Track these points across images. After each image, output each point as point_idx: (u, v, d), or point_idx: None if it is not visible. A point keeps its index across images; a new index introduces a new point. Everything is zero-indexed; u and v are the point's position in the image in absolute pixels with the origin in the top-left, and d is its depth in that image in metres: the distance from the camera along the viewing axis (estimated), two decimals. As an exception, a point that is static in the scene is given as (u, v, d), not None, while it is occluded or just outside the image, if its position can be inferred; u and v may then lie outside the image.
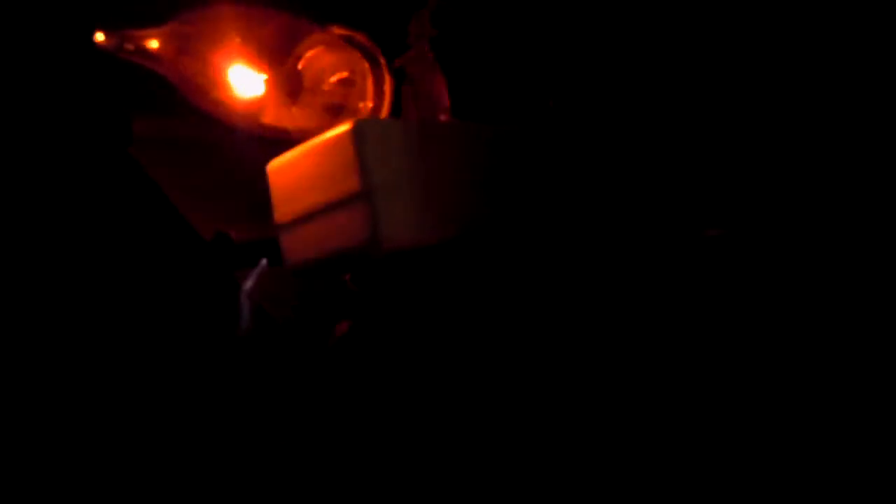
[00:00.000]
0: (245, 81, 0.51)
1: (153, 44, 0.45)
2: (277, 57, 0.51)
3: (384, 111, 0.59)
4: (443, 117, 0.56)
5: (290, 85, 0.54)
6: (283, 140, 0.57)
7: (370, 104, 0.59)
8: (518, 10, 0.55)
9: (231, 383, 0.54)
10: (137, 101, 0.60)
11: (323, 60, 0.58)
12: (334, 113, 0.60)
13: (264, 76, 0.52)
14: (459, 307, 0.55)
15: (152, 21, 0.46)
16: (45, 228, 0.54)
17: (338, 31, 0.56)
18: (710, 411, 0.48)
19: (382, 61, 0.59)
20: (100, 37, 0.43)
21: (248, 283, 0.53)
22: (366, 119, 0.53)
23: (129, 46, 0.45)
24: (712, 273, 0.50)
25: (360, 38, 0.59)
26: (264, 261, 0.50)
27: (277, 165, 0.53)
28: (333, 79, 0.59)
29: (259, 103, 0.52)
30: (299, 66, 0.55)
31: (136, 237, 0.55)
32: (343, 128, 0.48)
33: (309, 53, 0.57)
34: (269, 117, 0.54)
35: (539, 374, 0.52)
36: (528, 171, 0.53)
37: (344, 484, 0.54)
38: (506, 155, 0.53)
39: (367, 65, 0.59)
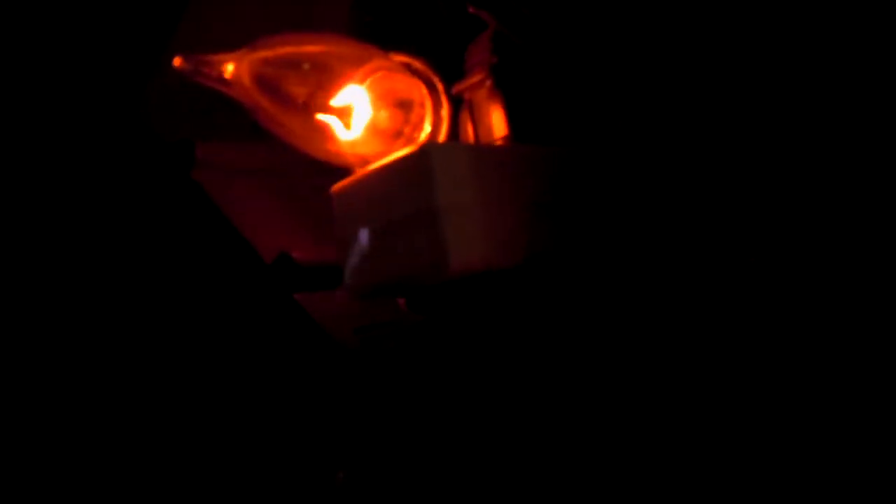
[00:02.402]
0: (313, 107, 0.52)
1: (228, 68, 0.46)
2: (345, 81, 0.52)
3: (441, 138, 0.60)
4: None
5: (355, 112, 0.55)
6: (341, 168, 0.58)
7: (428, 131, 0.60)
8: (579, 35, 0.56)
9: (291, 405, 0.54)
10: (201, 127, 0.62)
11: (382, 86, 0.59)
12: (391, 139, 0.60)
13: (333, 100, 0.52)
14: (521, 334, 0.55)
15: (228, 46, 0.47)
16: (110, 249, 0.55)
17: (398, 57, 0.57)
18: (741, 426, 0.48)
19: (440, 87, 0.59)
20: (177, 61, 0.45)
21: None
22: (434, 142, 0.53)
23: (205, 70, 0.46)
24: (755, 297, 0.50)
25: (418, 64, 0.60)
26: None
27: (342, 188, 0.53)
28: (392, 105, 0.60)
29: (326, 128, 0.53)
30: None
31: (198, 260, 0.56)
32: (410, 149, 0.48)
33: (369, 79, 0.58)
34: (335, 143, 0.55)
35: (604, 402, 0.52)
36: (593, 195, 0.53)
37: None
38: (570, 178, 0.53)
39: (425, 91, 0.60)
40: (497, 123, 0.57)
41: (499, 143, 0.57)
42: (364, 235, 0.51)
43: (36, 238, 0.56)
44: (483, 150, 0.50)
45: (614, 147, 0.56)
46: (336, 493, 0.53)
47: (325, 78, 0.52)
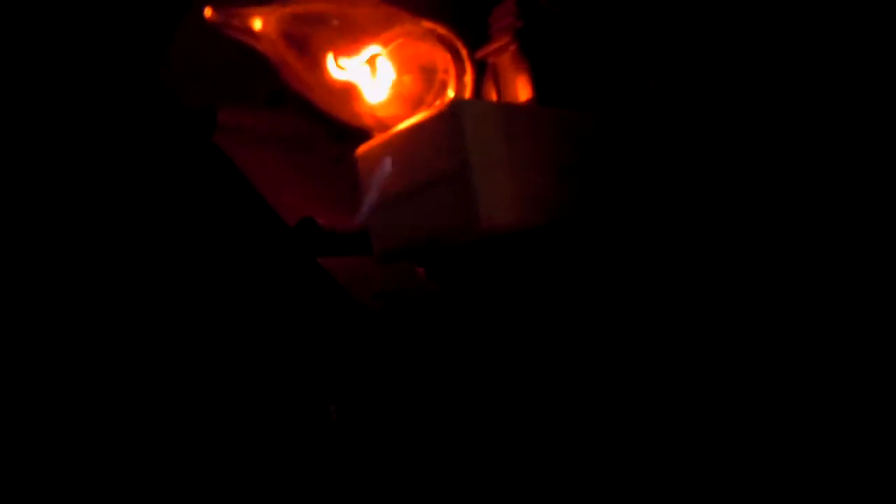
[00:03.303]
0: (339, 66, 0.52)
1: (256, 22, 0.46)
2: (370, 43, 0.52)
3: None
4: (528, 108, 0.56)
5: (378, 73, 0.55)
6: (361, 133, 0.58)
7: (451, 97, 0.60)
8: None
9: (313, 369, 0.54)
10: (222, 91, 0.61)
11: (406, 51, 0.58)
12: (414, 105, 0.60)
13: (357, 61, 0.52)
14: (545, 298, 0.54)
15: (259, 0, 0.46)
16: (129, 213, 0.55)
17: (425, 23, 0.57)
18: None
19: (464, 53, 0.59)
20: (208, 12, 0.44)
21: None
22: (463, 99, 0.53)
23: (235, 22, 0.45)
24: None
25: (441, 29, 0.59)
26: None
27: (367, 150, 0.53)
28: (415, 70, 0.59)
29: (350, 88, 0.53)
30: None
31: (220, 224, 0.55)
32: (439, 108, 0.48)
33: (393, 43, 0.57)
34: (357, 105, 0.54)
35: (625, 366, 0.52)
36: (621, 159, 0.53)
37: (425, 472, 0.53)
38: (598, 142, 0.53)
39: (449, 58, 0.59)
40: (521, 89, 0.57)
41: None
42: (390, 196, 0.51)
43: (54, 200, 0.56)
44: (513, 110, 0.50)
45: (640, 113, 0.56)
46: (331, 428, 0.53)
47: (352, 37, 0.52)
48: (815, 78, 0.49)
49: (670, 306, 0.52)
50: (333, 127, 0.60)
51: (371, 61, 0.55)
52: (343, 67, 0.51)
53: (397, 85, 0.58)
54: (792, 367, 0.48)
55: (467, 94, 0.60)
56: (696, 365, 0.51)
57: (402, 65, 0.58)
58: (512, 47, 0.57)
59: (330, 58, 0.50)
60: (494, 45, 0.58)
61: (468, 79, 0.60)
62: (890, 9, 0.49)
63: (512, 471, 0.56)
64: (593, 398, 0.54)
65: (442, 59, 0.60)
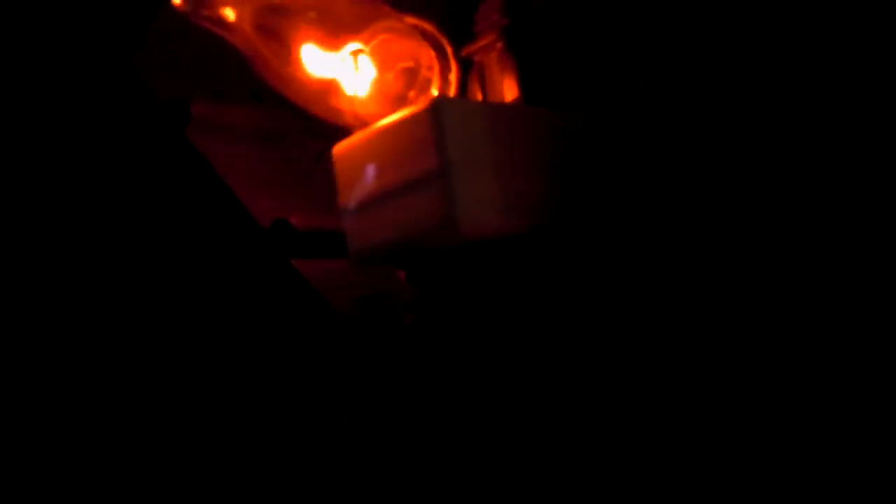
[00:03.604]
0: (317, 60, 0.49)
1: (229, 13, 0.44)
2: (350, 39, 0.50)
3: (449, 103, 0.57)
4: (513, 107, 0.54)
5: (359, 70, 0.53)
6: (339, 130, 0.56)
7: (434, 95, 0.58)
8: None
9: (289, 375, 0.52)
10: (197, 84, 0.59)
11: (388, 48, 0.56)
12: (396, 103, 0.58)
13: (337, 56, 0.50)
14: (528, 304, 0.53)
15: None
16: (96, 209, 0.52)
17: (408, 19, 0.55)
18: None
19: (449, 50, 0.57)
20: (176, 0, 0.42)
21: None
22: (445, 97, 0.51)
23: (205, 12, 0.43)
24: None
25: (427, 26, 0.57)
26: None
27: (343, 149, 0.51)
28: (397, 68, 0.57)
29: (329, 84, 0.51)
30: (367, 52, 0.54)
31: (191, 223, 0.53)
32: (419, 106, 0.46)
33: (375, 40, 0.55)
34: (335, 101, 0.52)
35: (619, 374, 0.50)
36: (606, 160, 0.51)
37: (406, 479, 0.51)
38: (585, 143, 0.51)
39: (433, 54, 0.57)
40: (508, 87, 0.55)
41: (510, 105, 0.55)
42: (368, 197, 0.49)
43: (27, 196, 0.54)
44: (495, 108, 0.48)
45: (627, 114, 0.54)
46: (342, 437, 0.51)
47: (331, 31, 0.50)
48: (804, 77, 0.48)
49: (658, 310, 0.50)
50: (313, 124, 0.58)
51: (352, 56, 0.53)
52: (320, 62, 0.49)
53: (379, 82, 0.56)
54: (786, 368, 0.47)
55: (452, 92, 0.58)
56: (684, 369, 0.49)
57: (384, 61, 0.56)
58: (498, 45, 0.55)
59: (307, 51, 0.48)
60: (480, 43, 0.56)
61: (453, 77, 0.58)
62: (890, 9, 0.47)
63: (495, 476, 0.54)
64: (577, 404, 0.52)
65: (426, 56, 0.58)
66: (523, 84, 0.54)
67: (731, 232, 0.49)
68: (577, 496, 0.51)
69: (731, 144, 0.50)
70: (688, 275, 0.49)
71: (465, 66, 0.57)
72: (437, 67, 0.57)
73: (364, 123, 0.55)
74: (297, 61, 0.48)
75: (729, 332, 0.47)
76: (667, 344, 0.48)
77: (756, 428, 0.47)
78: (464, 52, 0.57)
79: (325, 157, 0.60)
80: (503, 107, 0.51)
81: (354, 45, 0.52)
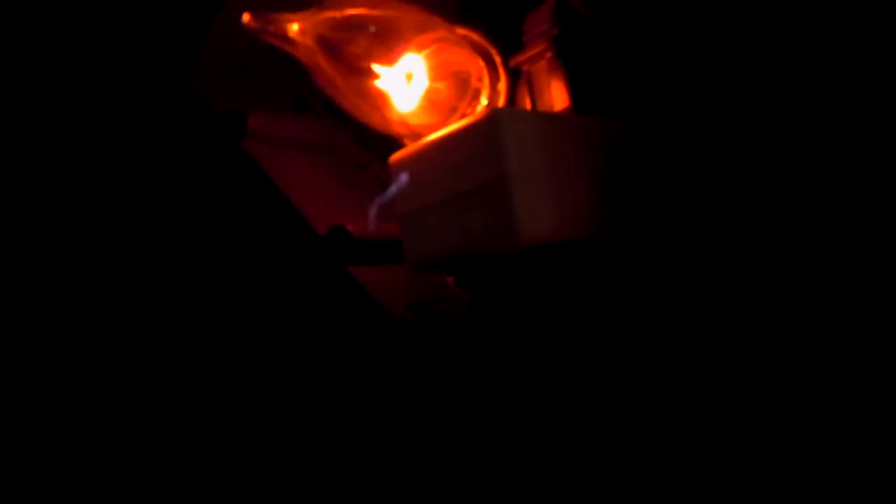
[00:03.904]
0: (373, 72, 0.51)
1: (294, 27, 0.45)
2: (405, 50, 0.51)
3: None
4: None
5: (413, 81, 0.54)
6: (391, 141, 0.57)
7: (484, 104, 0.59)
8: (644, 7, 0.55)
9: (343, 380, 0.53)
10: (251, 98, 0.60)
11: (439, 59, 0.58)
12: (446, 113, 0.59)
13: (392, 69, 0.51)
14: (578, 310, 0.53)
15: (295, 6, 0.46)
16: (157, 219, 0.54)
17: (459, 30, 0.56)
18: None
19: (498, 60, 0.58)
20: (246, 17, 0.43)
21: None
22: (504, 108, 0.52)
23: (272, 28, 0.44)
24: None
25: (475, 36, 0.58)
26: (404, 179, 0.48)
27: (400, 158, 0.52)
28: (448, 78, 0.58)
29: (383, 95, 0.52)
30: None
31: (249, 232, 0.54)
32: (477, 116, 0.47)
33: (427, 50, 0.56)
34: (390, 112, 0.54)
35: (671, 378, 0.51)
36: (659, 169, 0.52)
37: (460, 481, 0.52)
38: (636, 152, 0.52)
39: (482, 65, 0.58)
40: (557, 97, 0.56)
41: (561, 115, 0.56)
42: (425, 205, 0.50)
43: (84, 203, 0.55)
44: (551, 118, 0.49)
45: (678, 124, 0.55)
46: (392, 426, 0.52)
47: (388, 44, 0.51)
48: (854, 88, 0.48)
49: (710, 317, 0.51)
50: (359, 133, 0.59)
51: (404, 68, 0.54)
52: (378, 74, 0.51)
53: (430, 92, 0.57)
54: (809, 372, 0.48)
55: (501, 102, 0.59)
56: (741, 375, 0.50)
57: (435, 72, 0.57)
58: (548, 55, 0.56)
59: (365, 63, 0.50)
60: (529, 53, 0.57)
61: (502, 87, 0.59)
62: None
63: (543, 483, 0.55)
64: (632, 414, 0.52)
65: (475, 66, 0.59)
66: (573, 93, 0.55)
67: (778, 236, 0.50)
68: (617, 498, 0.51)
69: (779, 154, 0.50)
70: (738, 280, 0.49)
71: (515, 76, 0.58)
72: (486, 77, 0.58)
73: (415, 134, 0.56)
74: (355, 73, 0.49)
75: (776, 335, 0.48)
76: (719, 348, 0.49)
77: (773, 430, 0.47)
78: (512, 63, 0.58)
79: (371, 165, 0.62)
80: (558, 116, 0.52)
81: (410, 57, 0.53)
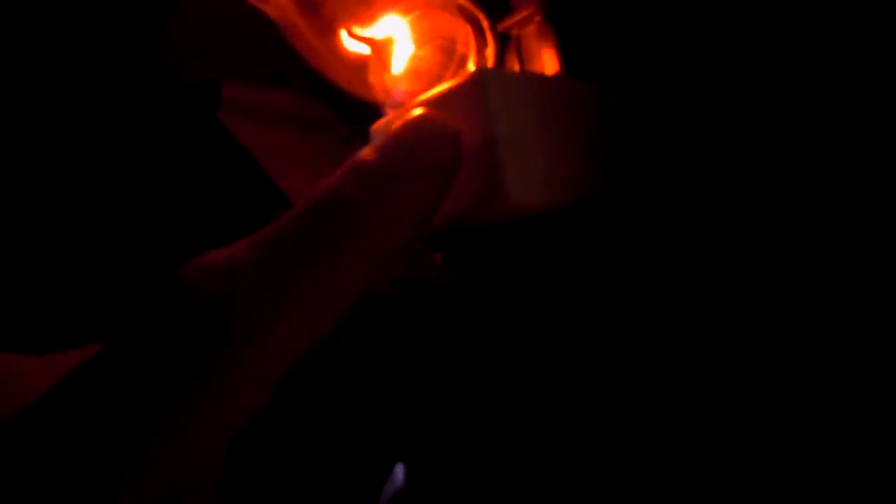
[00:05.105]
0: (353, 35, 0.48)
1: (269, -15, 0.43)
2: (388, 12, 0.48)
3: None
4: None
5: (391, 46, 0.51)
6: (370, 113, 0.54)
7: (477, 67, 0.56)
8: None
9: (325, 354, 0.51)
10: (226, 66, 0.58)
11: (424, 24, 0.55)
12: (431, 80, 0.57)
13: (374, 32, 0.48)
14: (567, 287, 0.51)
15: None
16: (128, 194, 0.51)
17: (445, -5, 0.53)
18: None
19: (485, 25, 0.55)
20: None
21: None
22: (490, 68, 0.49)
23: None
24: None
25: (462, 1, 0.56)
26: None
27: (383, 125, 0.50)
28: (434, 44, 0.56)
29: (365, 60, 0.49)
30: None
31: (225, 204, 0.52)
32: (462, 77, 0.45)
33: (411, 14, 0.54)
34: (371, 77, 0.51)
35: (662, 354, 0.49)
36: (649, 134, 0.50)
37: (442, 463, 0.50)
38: (626, 117, 0.50)
39: (469, 29, 0.56)
40: (547, 62, 0.53)
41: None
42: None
43: (55, 178, 0.52)
44: (541, 80, 0.46)
45: (673, 90, 0.52)
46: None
47: (369, 6, 0.48)
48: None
49: (705, 291, 0.48)
50: (342, 106, 0.57)
51: (386, 31, 0.52)
52: (357, 36, 0.48)
53: (414, 59, 0.55)
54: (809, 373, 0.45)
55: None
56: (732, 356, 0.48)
57: (419, 37, 0.55)
58: (537, 18, 0.54)
59: (344, 25, 0.47)
60: (518, 17, 0.55)
61: (490, 52, 0.56)
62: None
63: (527, 467, 0.52)
64: (622, 393, 0.50)
65: (462, 31, 0.56)
66: (564, 58, 0.52)
67: (774, 209, 0.47)
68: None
69: (777, 124, 0.48)
70: (734, 254, 0.47)
71: (503, 41, 0.55)
72: (473, 43, 0.56)
73: (398, 101, 0.53)
74: (334, 35, 0.47)
75: (768, 309, 0.46)
76: (713, 320, 0.46)
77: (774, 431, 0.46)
78: (500, 27, 0.55)
79: (355, 140, 0.59)
80: (548, 79, 0.49)
81: (392, 20, 0.51)
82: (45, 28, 0.57)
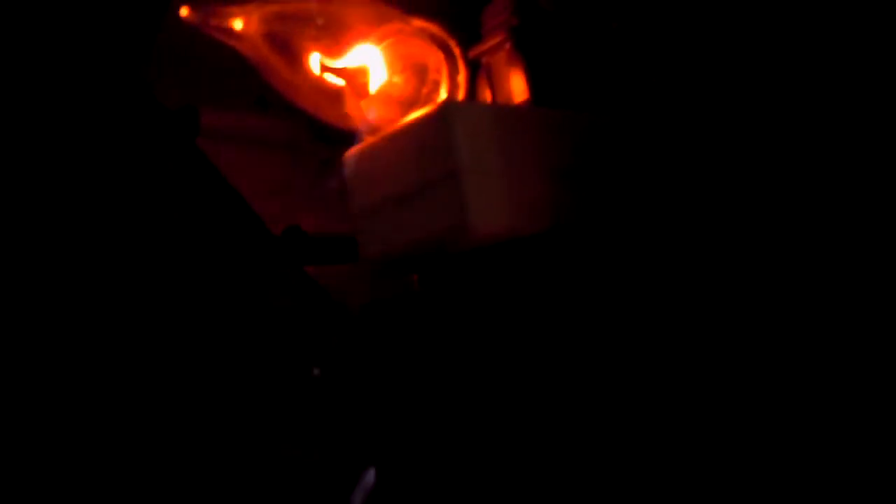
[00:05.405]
0: (324, 66, 0.49)
1: (237, 22, 0.44)
2: (358, 43, 0.50)
3: (458, 105, 0.57)
4: (523, 109, 0.54)
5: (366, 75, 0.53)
6: (347, 138, 0.56)
7: (444, 97, 0.58)
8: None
9: (301, 377, 0.52)
10: (205, 93, 0.59)
11: (396, 51, 0.56)
12: (405, 106, 0.58)
13: (345, 62, 0.50)
14: (540, 306, 0.52)
15: (237, -1, 0.44)
16: (111, 218, 0.53)
17: (416, 22, 0.55)
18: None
19: (457, 52, 0.57)
20: (184, 11, 0.42)
21: None
22: (454, 101, 0.51)
23: (213, 22, 0.43)
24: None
25: (434, 28, 0.57)
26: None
27: (354, 154, 0.51)
28: (406, 71, 0.57)
29: (337, 90, 0.51)
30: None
31: (203, 232, 0.53)
32: (429, 110, 0.46)
33: (383, 44, 0.55)
34: (345, 107, 0.52)
35: (628, 376, 0.50)
36: (619, 162, 0.51)
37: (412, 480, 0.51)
38: (594, 146, 0.51)
39: (441, 56, 0.57)
40: (516, 88, 0.55)
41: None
42: (379, 202, 0.49)
43: (34, 203, 0.54)
44: (505, 111, 0.48)
45: (638, 116, 0.54)
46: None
47: (338, 37, 0.49)
48: (807, 78, 0.47)
49: (671, 315, 0.50)
50: (321, 131, 0.58)
51: (360, 61, 0.53)
52: (329, 68, 0.49)
53: (388, 85, 0.56)
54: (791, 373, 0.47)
55: (461, 94, 0.58)
56: (692, 372, 0.49)
57: (392, 64, 0.56)
58: (506, 46, 0.55)
59: (314, 57, 0.48)
60: (488, 44, 0.56)
61: (461, 79, 0.58)
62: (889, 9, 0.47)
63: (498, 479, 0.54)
64: (591, 410, 0.51)
65: (434, 58, 0.57)
66: (532, 84, 0.54)
67: (740, 235, 0.49)
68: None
69: (741, 147, 0.49)
70: (698, 277, 0.48)
71: (474, 68, 0.57)
72: (445, 69, 0.57)
73: (373, 128, 0.55)
74: (306, 68, 0.48)
75: (734, 336, 0.47)
76: (679, 344, 0.48)
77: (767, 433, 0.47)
78: (472, 54, 0.57)
79: (333, 163, 0.61)
80: (512, 109, 0.51)
81: (365, 50, 0.52)
82: (30, 53, 0.58)
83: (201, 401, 0.55)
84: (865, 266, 0.46)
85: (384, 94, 0.56)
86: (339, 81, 0.51)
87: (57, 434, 0.54)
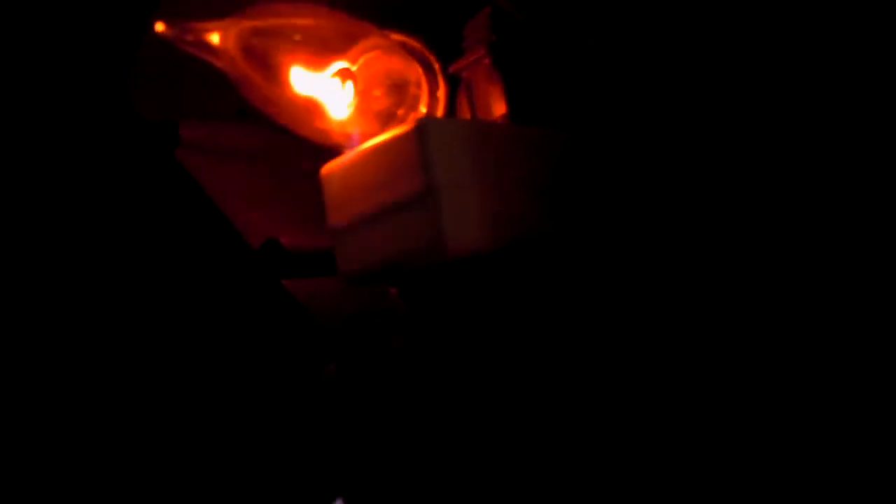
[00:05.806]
0: (303, 81, 0.49)
1: (213, 37, 0.44)
2: (336, 58, 0.50)
3: (438, 119, 0.57)
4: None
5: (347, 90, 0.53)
6: (329, 150, 0.56)
7: (423, 112, 0.58)
8: (582, 13, 0.54)
9: (278, 394, 0.52)
10: (185, 106, 0.59)
11: (375, 66, 0.56)
12: (385, 121, 0.58)
13: (323, 76, 0.50)
14: (516, 322, 0.53)
15: (214, 14, 0.44)
16: (87, 231, 0.52)
17: (394, 36, 0.55)
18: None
19: (437, 67, 0.57)
20: (159, 27, 0.42)
21: None
22: (431, 117, 0.51)
23: (189, 38, 0.43)
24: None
25: (413, 43, 0.57)
26: None
27: (332, 169, 0.51)
28: (385, 85, 0.57)
29: (316, 104, 0.51)
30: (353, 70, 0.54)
31: (181, 245, 0.53)
32: (406, 127, 0.46)
33: (362, 58, 0.55)
34: (324, 122, 0.52)
35: (604, 395, 0.50)
36: (595, 178, 0.51)
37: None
38: (571, 162, 0.51)
39: (421, 71, 0.57)
40: (495, 104, 0.55)
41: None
42: (356, 217, 0.49)
43: (13, 218, 0.54)
44: (482, 127, 0.48)
45: (616, 132, 0.54)
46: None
47: (317, 52, 0.50)
48: (791, 95, 0.48)
49: (646, 327, 0.50)
50: (301, 144, 0.58)
51: (339, 76, 0.53)
52: (307, 84, 0.49)
53: (367, 100, 0.56)
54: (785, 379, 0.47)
55: (440, 109, 0.58)
56: (675, 387, 0.49)
57: (371, 79, 0.56)
58: (485, 61, 0.55)
59: (293, 73, 0.48)
60: (468, 59, 0.56)
61: (441, 93, 0.58)
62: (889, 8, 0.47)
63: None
64: (571, 423, 0.52)
65: (414, 73, 0.58)
66: (511, 100, 0.54)
67: (721, 249, 0.49)
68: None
69: (716, 162, 0.50)
70: (676, 292, 0.49)
71: (454, 83, 0.57)
72: (425, 84, 0.57)
73: (353, 143, 0.55)
74: (284, 83, 0.48)
75: (717, 347, 0.47)
76: (656, 356, 0.48)
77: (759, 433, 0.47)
78: (451, 69, 0.57)
79: (313, 176, 0.60)
80: (489, 125, 0.51)
81: (341, 65, 0.52)
82: (8, 66, 0.58)
83: (176, 414, 0.55)
84: (847, 273, 0.46)
85: (364, 108, 0.56)
86: (318, 96, 0.51)
87: (57, 436, 0.54)
